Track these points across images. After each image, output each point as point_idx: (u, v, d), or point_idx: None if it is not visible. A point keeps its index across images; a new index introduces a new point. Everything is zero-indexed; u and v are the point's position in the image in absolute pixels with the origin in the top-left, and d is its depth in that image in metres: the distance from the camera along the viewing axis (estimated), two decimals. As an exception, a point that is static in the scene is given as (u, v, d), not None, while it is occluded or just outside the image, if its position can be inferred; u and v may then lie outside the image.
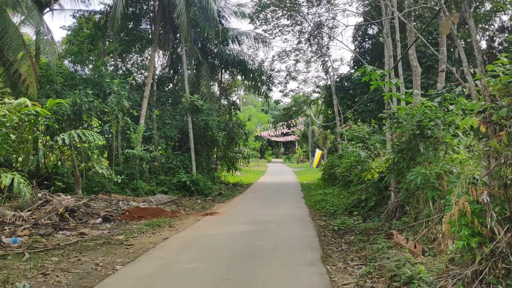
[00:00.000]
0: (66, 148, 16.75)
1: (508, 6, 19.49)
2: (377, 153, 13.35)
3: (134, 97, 21.94)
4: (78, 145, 16.34)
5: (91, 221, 12.08)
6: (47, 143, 17.68)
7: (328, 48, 30.81)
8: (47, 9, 21.50)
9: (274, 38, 29.85)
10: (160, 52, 28.51)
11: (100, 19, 25.43)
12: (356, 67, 27.45)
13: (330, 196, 18.13)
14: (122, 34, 25.24)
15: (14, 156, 15.42)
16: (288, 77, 33.57)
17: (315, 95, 43.02)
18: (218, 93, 30.93)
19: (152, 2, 25.05)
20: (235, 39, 29.01)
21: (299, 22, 28.79)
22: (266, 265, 7.59)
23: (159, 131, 22.72)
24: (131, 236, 10.28)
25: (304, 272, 7.11)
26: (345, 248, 9.00)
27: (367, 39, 28.13)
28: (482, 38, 23.51)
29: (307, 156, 64.40)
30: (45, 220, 11.01)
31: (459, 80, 7.08)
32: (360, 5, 26.73)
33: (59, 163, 18.32)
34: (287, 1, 26.21)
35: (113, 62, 25.92)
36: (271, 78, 32.25)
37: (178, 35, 24.99)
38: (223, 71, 31.26)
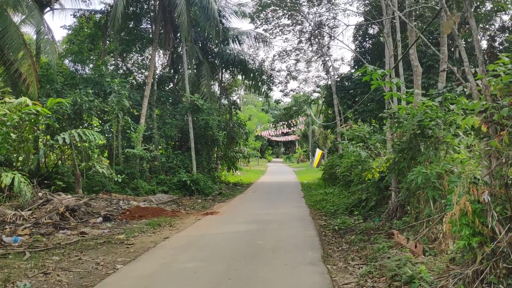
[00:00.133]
0: (66, 147, 16.75)
1: (509, 6, 19.48)
2: (377, 152, 13.35)
3: (134, 97, 21.94)
4: (79, 145, 16.34)
5: (91, 220, 12.08)
6: (47, 142, 17.67)
7: (328, 47, 30.83)
8: (48, 8, 21.49)
9: (274, 37, 29.90)
10: (161, 51, 28.53)
11: (100, 19, 25.44)
12: (356, 67, 27.44)
13: (330, 196, 18.14)
14: (122, 34, 25.24)
15: (15, 155, 15.42)
16: (288, 77, 33.55)
17: (316, 94, 43.01)
18: (218, 92, 30.93)
19: (152, 2, 25.03)
20: (236, 39, 29.01)
21: (299, 22, 28.79)
22: (267, 264, 7.58)
23: (160, 130, 22.72)
24: (132, 236, 10.29)
25: (305, 272, 7.10)
26: (345, 248, 8.99)
27: (367, 39, 28.12)
28: (483, 38, 23.50)
29: (307, 156, 64.40)
30: (45, 219, 11.02)
31: (460, 80, 7.07)
32: (361, 4, 26.74)
33: (60, 162, 18.33)
34: (288, 0, 26.20)
35: (113, 62, 25.91)
36: (272, 78, 32.25)
37: (178, 34, 25.00)
38: (223, 71, 31.25)
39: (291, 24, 28.84)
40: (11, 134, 12.80)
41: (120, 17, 19.64)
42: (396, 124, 10.44)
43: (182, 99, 25.19)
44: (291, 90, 36.37)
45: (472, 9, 7.06)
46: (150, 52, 25.27)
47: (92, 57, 25.83)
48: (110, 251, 8.64)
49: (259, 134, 65.75)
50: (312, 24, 28.30)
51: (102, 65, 21.51)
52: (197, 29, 26.87)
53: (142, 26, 27.17)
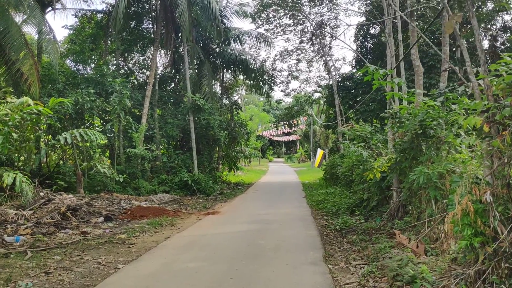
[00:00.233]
0: (68, 147, 16.77)
1: (511, 5, 19.45)
2: (379, 152, 13.34)
3: (136, 97, 21.95)
4: (80, 144, 16.35)
5: (93, 220, 12.09)
6: (49, 142, 17.69)
7: (330, 47, 30.82)
8: (49, 8, 21.53)
9: (276, 37, 29.90)
10: (162, 51, 28.54)
11: (102, 19, 25.46)
12: (358, 67, 27.45)
13: (331, 196, 18.12)
14: (124, 34, 25.24)
15: (16, 155, 15.45)
16: (290, 77, 33.59)
17: (317, 94, 43.01)
18: (219, 92, 30.94)
19: (154, 2, 25.07)
20: (237, 39, 29.02)
21: (301, 22, 28.78)
22: (268, 264, 7.58)
23: (161, 130, 22.73)
24: (133, 235, 10.29)
25: (307, 272, 7.10)
26: (347, 248, 8.98)
27: (369, 39, 28.12)
28: (485, 38, 23.48)
29: (308, 156, 64.41)
30: (47, 219, 11.03)
31: (462, 80, 7.06)
32: (362, 4, 26.74)
33: (61, 162, 18.35)
34: (289, 0, 26.19)
35: (115, 62, 25.91)
36: (273, 78, 32.27)
37: (180, 34, 25.01)
38: (225, 71, 31.27)
39: (292, 24, 28.87)
40: (13, 134, 12.83)
41: (121, 17, 19.68)
42: (398, 124, 10.44)
43: (183, 99, 25.19)
44: (293, 90, 36.42)
45: (474, 9, 7.05)
46: (152, 52, 25.27)
47: (93, 57, 25.83)
48: (112, 251, 8.65)
49: (260, 134, 65.77)
50: (314, 24, 28.29)
51: (103, 65, 21.53)
52: (199, 29, 26.88)
53: (143, 26, 27.19)
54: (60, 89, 18.70)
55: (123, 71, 26.55)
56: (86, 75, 22.43)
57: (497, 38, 23.36)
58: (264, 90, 31.42)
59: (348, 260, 7.89)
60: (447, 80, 13.42)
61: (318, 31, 28.51)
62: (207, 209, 15.94)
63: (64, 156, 18.57)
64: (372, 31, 27.59)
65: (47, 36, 17.72)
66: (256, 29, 29.60)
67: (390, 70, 11.43)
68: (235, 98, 38.59)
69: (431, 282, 5.62)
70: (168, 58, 28.07)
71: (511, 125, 5.02)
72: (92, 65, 25.51)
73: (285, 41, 38.11)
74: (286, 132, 65.52)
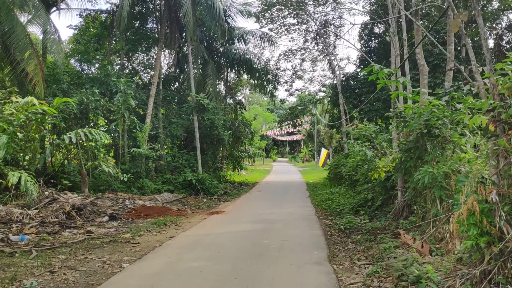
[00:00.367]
0: (72, 146, 16.82)
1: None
2: (383, 152, 13.29)
3: (140, 96, 21.99)
4: (85, 144, 16.40)
5: (97, 219, 12.12)
6: (54, 142, 17.74)
7: (334, 47, 30.76)
8: (54, 8, 21.60)
9: (280, 37, 29.84)
10: (166, 51, 28.57)
11: (106, 18, 25.53)
12: (362, 66, 27.36)
13: (336, 196, 18.09)
14: (128, 33, 25.31)
15: (21, 154, 15.53)
16: (294, 76, 33.51)
17: (321, 94, 42.93)
18: (224, 92, 30.94)
19: (158, 1, 25.09)
20: (241, 38, 28.99)
21: (305, 21, 28.73)
22: (273, 264, 7.57)
23: (165, 130, 22.76)
24: (138, 235, 10.31)
25: (311, 271, 7.08)
26: (351, 248, 8.96)
27: (373, 38, 28.04)
28: (490, 37, 23.36)
29: (312, 156, 64.33)
30: (52, 218, 11.07)
31: (468, 79, 7.02)
32: (367, 3, 26.65)
33: (66, 161, 18.41)
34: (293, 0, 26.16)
35: (119, 61, 26.01)
36: (277, 77, 32.21)
37: (184, 34, 25.01)
38: (229, 70, 31.26)
39: (296, 23, 28.81)
40: (18, 134, 12.88)
41: (126, 16, 19.70)
42: (403, 124, 10.40)
43: (187, 98, 25.23)
44: (297, 90, 36.37)
45: (479, 8, 6.99)
46: (156, 52, 25.35)
47: (98, 56, 25.93)
48: (116, 250, 8.66)
49: (264, 134, 65.80)
50: (318, 23, 28.24)
51: (108, 65, 21.59)
52: (203, 29, 26.89)
53: (147, 26, 27.24)
54: (65, 89, 18.76)
55: (127, 70, 26.64)
56: (91, 75, 22.51)
57: (503, 37, 23.24)
58: (268, 89, 31.39)
59: (353, 260, 7.87)
60: (452, 79, 13.38)
61: (322, 30, 28.46)
62: (211, 208, 15.95)
63: (69, 156, 18.63)
64: (376, 30, 27.52)
65: (52, 36, 17.77)
66: (260, 28, 29.61)
67: (395, 69, 11.39)
68: (239, 98, 38.54)
69: (436, 282, 5.60)
70: (172, 57, 28.08)
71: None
72: (97, 65, 25.61)
73: (289, 41, 38.12)
74: (290, 131, 65.50)
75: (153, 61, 27.18)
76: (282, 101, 44.80)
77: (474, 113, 7.14)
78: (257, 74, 29.79)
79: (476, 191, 5.32)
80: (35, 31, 22.51)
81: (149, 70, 28.51)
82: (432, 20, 21.37)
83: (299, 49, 31.41)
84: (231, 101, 31.91)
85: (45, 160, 17.03)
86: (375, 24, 26.12)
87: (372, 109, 23.68)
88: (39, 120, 14.18)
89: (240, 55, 27.96)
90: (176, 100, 26.54)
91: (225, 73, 31.15)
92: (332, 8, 27.55)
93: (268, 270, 7.14)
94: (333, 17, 28.23)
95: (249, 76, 31.07)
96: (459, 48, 20.80)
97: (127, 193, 17.35)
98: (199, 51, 25.16)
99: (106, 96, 19.61)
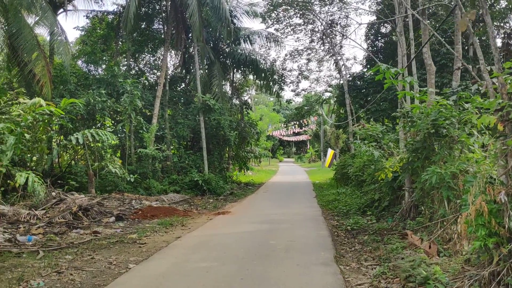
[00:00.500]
0: (79, 147, 16.91)
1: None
2: (390, 152, 13.22)
3: (146, 97, 22.06)
4: (92, 145, 16.47)
5: (104, 219, 12.16)
6: (61, 143, 17.85)
7: (341, 46, 30.65)
8: (61, 9, 21.72)
9: (286, 37, 29.75)
10: (173, 52, 28.64)
11: (113, 20, 25.65)
12: (369, 66, 27.25)
13: (342, 196, 18.02)
14: (134, 34, 25.40)
15: (29, 155, 15.61)
16: (300, 77, 33.41)
17: (327, 94, 42.83)
18: (230, 92, 30.95)
19: (164, 2, 25.15)
20: (247, 39, 29.00)
21: (311, 21, 28.65)
22: (279, 264, 7.55)
23: (172, 130, 22.81)
24: (144, 235, 10.32)
25: (318, 272, 7.05)
26: (358, 248, 8.91)
27: (380, 38, 27.91)
28: (498, 36, 23.16)
29: (319, 156, 64.21)
30: (59, 218, 11.11)
31: (476, 78, 6.96)
32: (373, 3, 26.54)
33: (73, 162, 18.50)
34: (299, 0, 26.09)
35: (126, 62, 26.10)
36: (283, 78, 32.16)
37: (190, 35, 25.07)
38: (235, 71, 31.29)
39: (302, 23, 28.74)
40: (25, 135, 12.97)
41: (132, 18, 19.78)
42: (410, 123, 10.33)
43: (194, 99, 25.26)
44: (303, 90, 36.25)
45: (487, 6, 6.90)
46: (162, 53, 25.41)
47: (104, 57, 26.03)
48: (123, 251, 8.68)
49: (271, 134, 65.76)
50: (324, 23, 28.17)
51: (114, 66, 21.67)
52: (209, 29, 26.92)
53: (154, 27, 27.34)
54: (72, 90, 18.86)
55: (134, 71, 26.74)
56: (98, 76, 22.61)
57: (511, 36, 23.03)
58: (274, 90, 31.37)
59: (360, 260, 7.82)
60: (460, 79, 13.27)
61: (328, 30, 28.38)
62: (217, 209, 15.95)
63: (76, 157, 18.73)
64: (383, 30, 27.39)
65: (59, 38, 17.86)
66: (266, 29, 29.59)
67: (402, 69, 11.32)
68: (245, 98, 38.53)
69: (444, 283, 5.55)
70: (179, 58, 28.17)
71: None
72: (103, 66, 25.71)
73: (295, 41, 37.91)
74: (296, 132, 65.49)
75: (159, 62, 27.25)
76: (288, 101, 44.68)
77: (482, 112, 7.07)
78: (263, 75, 29.79)
79: (485, 191, 5.27)
80: (42, 32, 22.70)
81: (155, 71, 28.61)
82: (439, 20, 21.23)
83: (305, 49, 31.33)
84: (237, 102, 31.90)
85: (52, 161, 17.13)
86: (382, 24, 26.00)
87: (378, 109, 23.56)
88: (46, 121, 14.28)
89: (246, 55, 27.97)
90: (182, 100, 26.60)
91: (231, 74, 31.16)
92: (338, 8, 27.46)
93: (275, 271, 7.11)
94: (339, 17, 28.15)
95: (255, 76, 31.07)
96: (466, 48, 20.62)
97: (134, 193, 17.40)
98: (205, 51, 25.19)
99: (112, 97, 19.68)
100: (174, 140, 23.05)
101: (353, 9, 27.40)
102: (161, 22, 26.68)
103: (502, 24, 22.74)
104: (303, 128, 60.90)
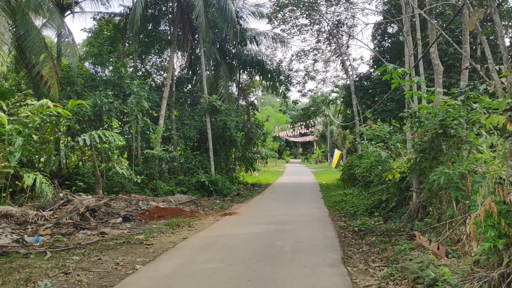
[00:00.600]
0: (87, 148, 16.97)
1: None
2: (398, 153, 13.15)
3: (153, 98, 22.11)
4: (99, 146, 16.54)
5: (111, 220, 12.19)
6: (68, 144, 17.94)
7: (347, 47, 30.56)
8: (68, 11, 21.87)
9: (292, 37, 29.73)
10: (179, 53, 28.68)
11: (119, 21, 25.76)
12: (375, 66, 27.16)
13: (349, 197, 17.95)
14: (141, 36, 25.48)
15: (37, 156, 15.71)
16: (306, 77, 33.36)
17: (334, 94, 42.76)
18: (236, 93, 30.96)
19: (170, 4, 25.22)
20: (253, 40, 29.01)
21: (317, 22, 28.60)
22: (286, 266, 7.52)
23: (178, 131, 22.85)
24: (151, 236, 10.33)
25: (325, 273, 7.01)
26: (366, 249, 8.86)
27: (386, 38, 27.81)
28: (506, 35, 22.99)
29: (325, 157, 64.07)
30: (66, 219, 11.15)
31: (484, 78, 6.90)
32: (380, 3, 26.45)
33: (80, 163, 18.59)
34: (305, 0, 26.04)
35: (132, 64, 26.21)
36: (289, 78, 32.11)
37: (196, 36, 25.12)
38: (241, 72, 31.29)
39: (309, 23, 28.69)
40: (33, 136, 13.05)
41: (139, 19, 19.85)
42: (417, 124, 10.26)
43: (200, 100, 25.29)
44: (309, 91, 36.22)
45: (495, 5, 6.83)
46: (169, 54, 25.49)
47: (111, 59, 26.16)
48: (130, 251, 8.69)
49: (277, 135, 65.73)
50: (330, 23, 28.11)
51: (121, 67, 21.77)
52: (215, 30, 26.95)
53: (160, 28, 27.41)
54: (79, 91, 18.94)
55: (140, 73, 26.83)
56: (104, 77, 22.70)
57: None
58: (280, 90, 31.34)
59: (367, 262, 7.77)
60: (468, 79, 13.18)
61: (335, 31, 28.31)
62: (224, 210, 15.94)
63: (83, 158, 18.81)
64: (389, 30, 27.29)
65: (66, 39, 17.96)
66: (272, 29, 29.56)
67: (409, 69, 11.25)
68: (252, 99, 38.55)
69: (453, 285, 5.49)
70: (185, 59, 28.23)
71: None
72: (110, 67, 25.85)
73: (302, 41, 37.86)
74: (302, 132, 65.38)
75: (166, 63, 27.34)
76: (295, 102, 44.66)
77: (491, 112, 7.00)
78: (269, 75, 29.77)
79: (494, 192, 5.22)
80: (49, 34, 22.89)
81: (162, 72, 28.69)
82: (446, 19, 21.11)
83: (311, 50, 31.28)
84: (244, 103, 31.91)
85: (60, 162, 17.22)
86: (389, 24, 25.90)
87: (386, 109, 23.47)
88: (54, 122, 14.36)
89: (252, 56, 27.97)
90: (189, 101, 26.65)
91: (238, 75, 31.17)
92: (344, 8, 27.40)
93: (281, 272, 7.09)
94: (346, 17, 28.08)
95: (261, 77, 31.05)
96: (474, 47, 20.51)
97: (141, 194, 17.44)
98: (211, 52, 25.22)
99: (119, 98, 19.75)
100: (181, 141, 23.09)
101: (360, 9, 27.33)
102: (167, 24, 26.76)
103: (510, 23, 22.56)
104: (310, 129, 60.78)
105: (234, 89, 31.15)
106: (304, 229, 11.44)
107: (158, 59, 29.97)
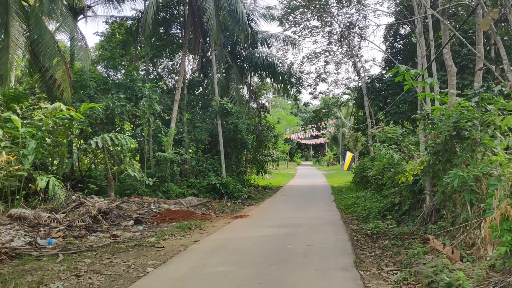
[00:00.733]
0: (99, 151, 17.09)
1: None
2: (411, 155, 13.01)
3: (165, 101, 22.22)
4: (111, 149, 16.63)
5: (123, 223, 12.22)
6: (81, 147, 18.09)
7: (359, 48, 30.41)
8: (81, 16, 22.10)
9: (303, 39, 29.67)
10: (190, 56, 28.79)
11: (131, 25, 25.95)
12: (387, 68, 26.98)
13: (362, 200, 17.81)
14: (153, 39, 25.64)
15: (50, 159, 15.86)
16: (317, 79, 33.24)
17: (346, 96, 42.54)
18: (247, 96, 30.98)
19: (182, 7, 25.35)
20: (264, 42, 29.03)
21: (328, 23, 28.50)
22: (297, 269, 7.46)
23: (190, 134, 22.92)
24: (162, 239, 10.34)
25: (337, 277, 6.94)
26: (378, 253, 8.76)
27: (399, 39, 27.61)
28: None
29: (337, 159, 63.77)
30: (78, 222, 11.21)
31: (499, 79, 6.78)
32: (392, 4, 26.28)
33: (93, 166, 18.72)
34: (317, 2, 25.97)
35: (144, 67, 26.37)
36: (301, 80, 32.02)
37: (208, 39, 25.20)
38: (252, 74, 31.29)
39: (320, 25, 28.61)
40: (46, 139, 13.19)
41: (150, 23, 19.97)
42: (430, 126, 10.13)
43: (211, 103, 25.36)
44: (321, 93, 36.15)
45: (510, 4, 6.71)
46: (180, 57, 25.57)
47: (123, 62, 26.36)
48: (141, 254, 8.70)
49: (288, 137, 65.62)
50: (342, 25, 27.99)
51: (133, 70, 21.91)
52: (226, 33, 27.01)
53: (172, 32, 27.55)
54: (92, 94, 19.09)
55: (152, 76, 26.98)
56: (117, 81, 22.87)
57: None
58: (291, 93, 31.30)
59: (380, 266, 7.68)
60: (482, 80, 13.01)
61: (346, 32, 28.19)
62: (235, 212, 15.92)
63: (96, 160, 18.94)
64: (402, 31, 27.09)
65: (79, 43, 18.14)
66: (283, 31, 29.52)
67: (422, 70, 11.14)
68: (263, 102, 38.51)
69: (469, 290, 5.39)
70: (196, 62, 28.32)
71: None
72: (123, 71, 26.04)
73: (313, 43, 37.81)
74: (314, 135, 65.19)
75: (177, 66, 27.44)
76: (306, 104, 44.48)
77: (506, 114, 6.89)
78: (280, 78, 29.75)
79: (510, 195, 5.12)
80: (62, 38, 23.09)
81: (173, 75, 28.83)
82: (459, 20, 20.88)
83: (323, 52, 31.18)
84: (255, 105, 31.92)
85: (73, 164, 17.35)
86: (401, 25, 25.72)
87: (398, 111, 23.29)
88: (66, 125, 14.48)
89: (263, 59, 27.98)
90: (200, 104, 26.72)
91: (249, 77, 31.18)
92: (356, 10, 27.28)
93: (293, 276, 7.03)
94: (357, 19, 27.95)
95: (272, 79, 31.03)
96: (488, 48, 20.25)
97: (152, 197, 17.49)
98: (222, 55, 25.28)
99: (131, 101, 19.87)
100: (192, 144, 23.15)
101: (371, 10, 27.19)
102: (179, 27, 26.89)
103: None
104: (321, 131, 60.60)
105: (245, 91, 31.19)
106: (316, 232, 11.36)
107: (169, 62, 30.13)
